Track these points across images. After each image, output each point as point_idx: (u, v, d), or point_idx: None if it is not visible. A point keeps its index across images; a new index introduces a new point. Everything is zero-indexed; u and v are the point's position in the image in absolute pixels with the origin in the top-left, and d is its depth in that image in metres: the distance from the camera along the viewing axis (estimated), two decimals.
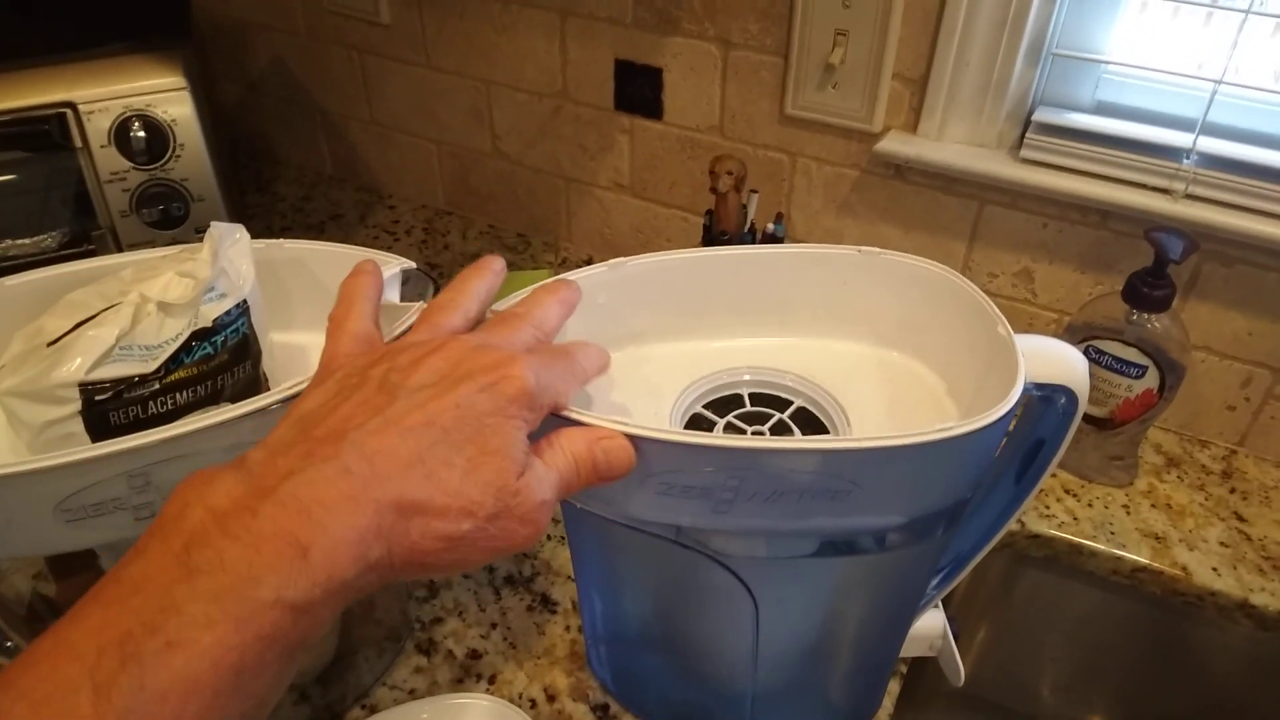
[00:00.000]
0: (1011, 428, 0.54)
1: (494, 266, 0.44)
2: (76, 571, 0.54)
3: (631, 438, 0.38)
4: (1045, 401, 0.50)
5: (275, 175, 1.23)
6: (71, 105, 0.77)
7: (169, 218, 0.82)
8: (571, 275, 0.53)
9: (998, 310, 0.49)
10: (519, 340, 0.39)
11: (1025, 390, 0.47)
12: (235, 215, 0.90)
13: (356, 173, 1.19)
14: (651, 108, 0.93)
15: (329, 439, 0.33)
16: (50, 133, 0.78)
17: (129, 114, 0.79)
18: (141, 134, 0.79)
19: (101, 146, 0.79)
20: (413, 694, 0.64)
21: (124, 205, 0.81)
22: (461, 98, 1.04)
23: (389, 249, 1.06)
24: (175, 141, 0.80)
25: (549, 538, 0.74)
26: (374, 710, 0.63)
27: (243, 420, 0.43)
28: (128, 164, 0.80)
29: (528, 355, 0.37)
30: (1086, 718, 0.87)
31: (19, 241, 0.81)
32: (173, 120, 0.80)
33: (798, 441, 0.37)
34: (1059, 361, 0.48)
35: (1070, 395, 0.48)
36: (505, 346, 0.37)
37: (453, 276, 0.48)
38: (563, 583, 0.71)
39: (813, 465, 0.38)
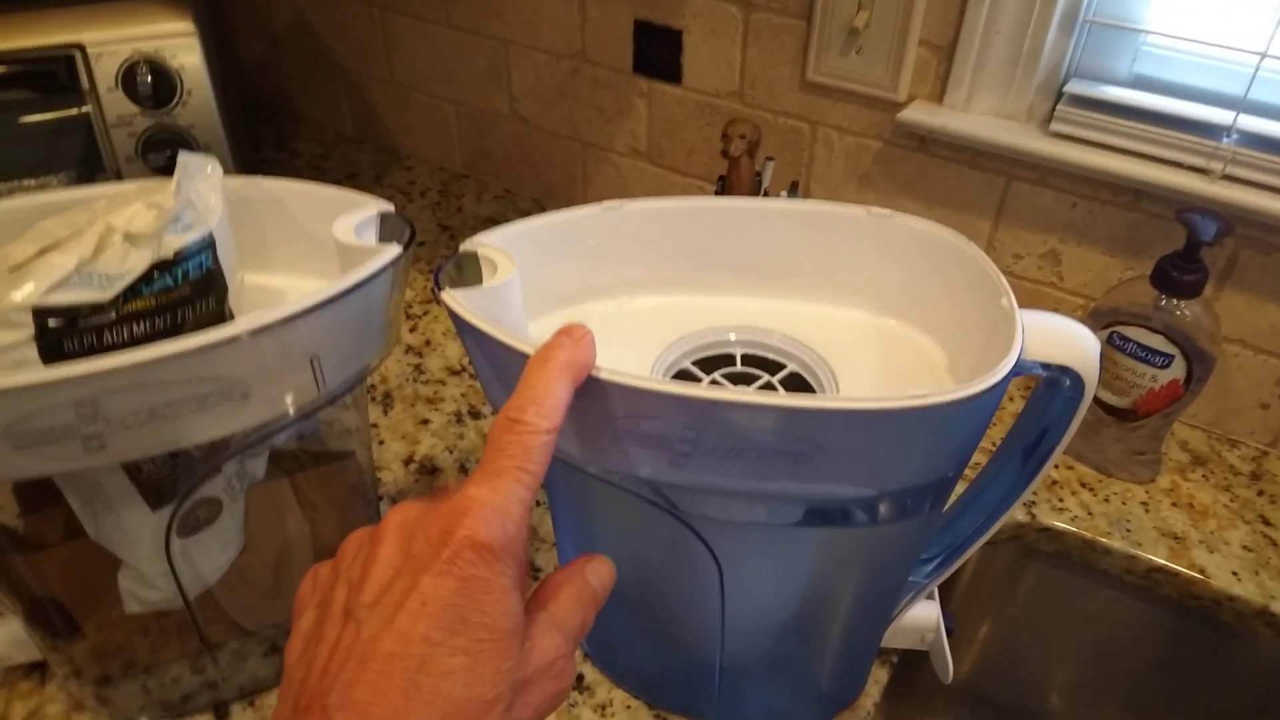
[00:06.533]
0: (1020, 410, 0.51)
1: None
2: (41, 506, 0.53)
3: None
4: (1051, 384, 0.46)
5: (294, 133, 1.21)
6: (80, 47, 0.77)
7: (175, 164, 0.82)
8: (563, 214, 0.50)
9: (1004, 280, 0.46)
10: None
11: (1026, 369, 0.44)
12: (244, 166, 0.88)
13: (375, 133, 1.18)
14: (670, 71, 0.90)
15: (312, 708, 0.29)
16: (57, 74, 0.77)
17: (137, 58, 0.78)
18: (149, 78, 0.78)
19: (109, 90, 0.78)
20: None
21: (130, 150, 0.80)
22: (479, 58, 1.02)
23: (404, 210, 1.05)
24: (183, 88, 0.79)
25: (537, 503, 0.72)
26: None
27: (197, 355, 0.41)
28: (134, 108, 0.79)
29: (475, 489, 0.31)
30: None
31: (25, 183, 0.80)
32: (181, 66, 0.79)
33: (752, 395, 0.34)
34: (1066, 340, 0.44)
35: (1076, 378, 0.45)
36: (451, 500, 0.31)
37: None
38: (548, 549, 0.69)
39: (769, 422, 0.35)
